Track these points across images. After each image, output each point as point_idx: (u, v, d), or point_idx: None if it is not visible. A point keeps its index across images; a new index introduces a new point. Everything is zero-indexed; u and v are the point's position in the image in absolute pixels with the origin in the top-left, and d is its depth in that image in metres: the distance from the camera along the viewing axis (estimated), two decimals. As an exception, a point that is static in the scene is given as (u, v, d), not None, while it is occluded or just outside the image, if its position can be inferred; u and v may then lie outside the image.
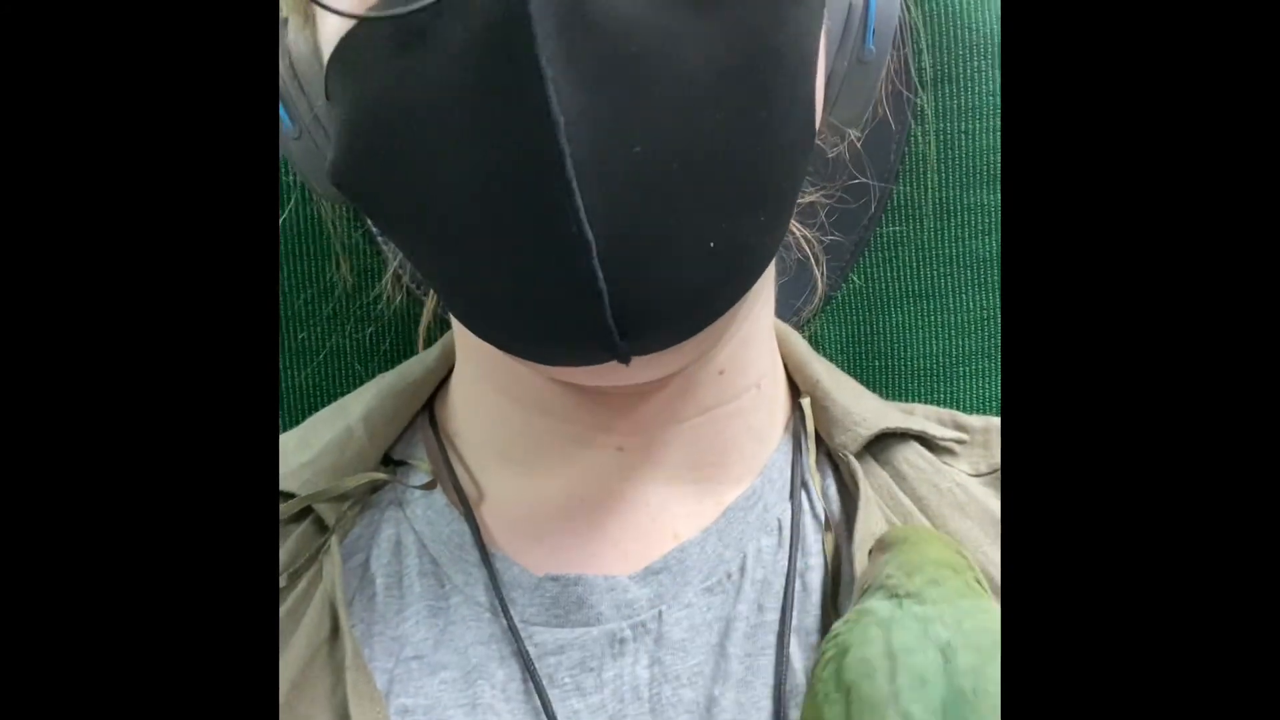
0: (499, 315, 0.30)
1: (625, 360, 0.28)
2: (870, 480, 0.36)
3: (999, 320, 0.48)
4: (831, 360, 0.47)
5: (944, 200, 0.47)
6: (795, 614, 0.32)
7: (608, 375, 0.30)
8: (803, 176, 0.32)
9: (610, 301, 0.27)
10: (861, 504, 0.34)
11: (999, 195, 0.47)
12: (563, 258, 0.26)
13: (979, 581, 0.28)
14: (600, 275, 0.26)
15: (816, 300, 0.42)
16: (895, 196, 0.47)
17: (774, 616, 0.32)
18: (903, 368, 0.48)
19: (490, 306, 0.30)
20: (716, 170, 0.27)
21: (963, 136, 0.46)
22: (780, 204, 0.30)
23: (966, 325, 0.48)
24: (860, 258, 0.47)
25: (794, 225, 0.41)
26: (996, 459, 0.38)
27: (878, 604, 0.26)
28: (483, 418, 0.36)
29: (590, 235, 0.26)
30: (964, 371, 0.48)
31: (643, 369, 0.30)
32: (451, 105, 0.26)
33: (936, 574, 0.27)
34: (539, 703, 0.30)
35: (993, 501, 0.36)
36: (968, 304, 0.48)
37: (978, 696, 0.22)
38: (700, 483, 0.35)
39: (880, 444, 0.37)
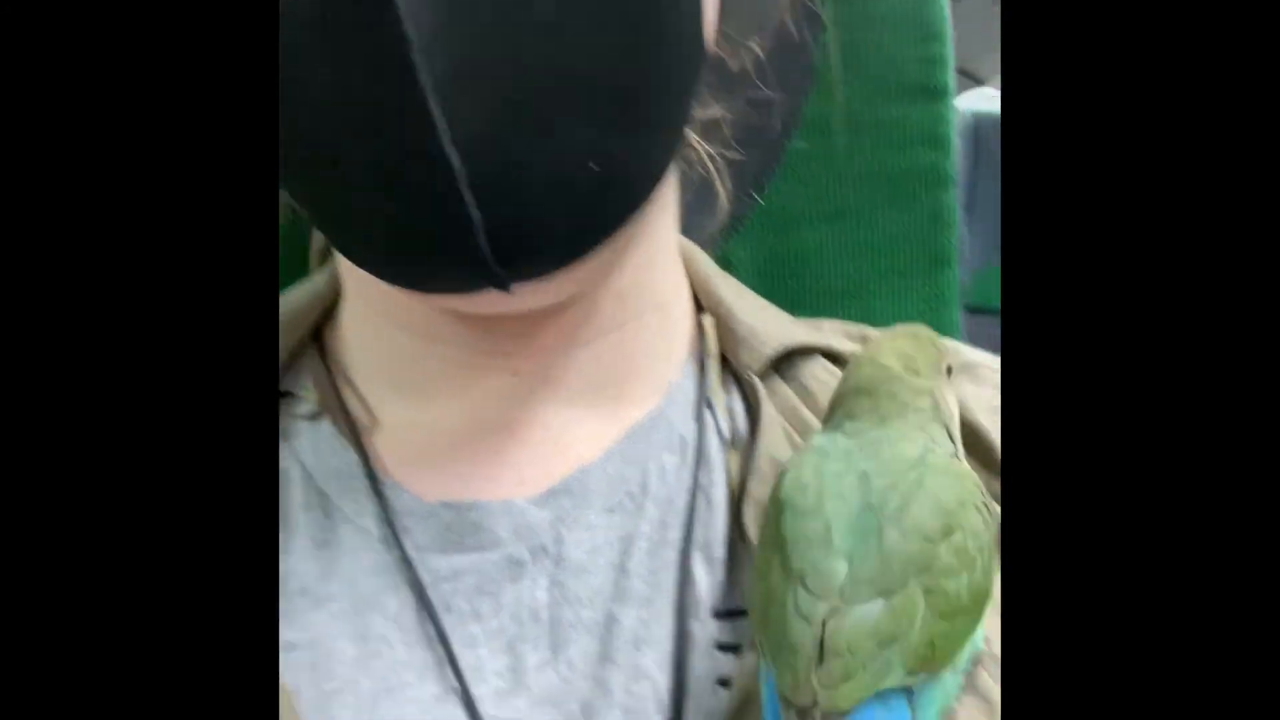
0: (373, 244, 0.29)
1: (506, 288, 0.28)
2: (774, 398, 0.36)
3: (912, 237, 0.47)
4: (745, 281, 0.47)
5: (854, 115, 0.46)
6: (699, 529, 0.32)
7: (491, 304, 0.29)
8: (693, 91, 0.31)
9: (484, 228, 0.26)
10: (763, 424, 0.34)
11: (910, 108, 0.46)
12: (429, 184, 0.25)
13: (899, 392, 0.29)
14: (470, 201, 0.25)
15: (721, 217, 0.41)
16: (804, 112, 0.46)
17: (677, 534, 0.32)
18: (816, 287, 0.48)
19: (363, 234, 0.28)
20: (593, 86, 0.26)
21: (872, 48, 0.46)
22: (668, 121, 0.29)
23: (880, 243, 0.47)
24: (771, 176, 0.46)
25: (696, 141, 0.39)
26: (903, 372, 0.38)
27: (818, 439, 0.29)
28: (373, 345, 0.35)
29: (455, 160, 0.25)
30: (878, 290, 0.48)
31: (527, 297, 0.29)
32: (303, 24, 0.24)
33: (856, 405, 0.29)
34: (434, 630, 0.29)
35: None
36: (880, 221, 0.47)
37: (883, 507, 0.25)
38: (602, 405, 0.34)
39: (787, 360, 0.37)
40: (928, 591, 0.24)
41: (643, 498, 0.33)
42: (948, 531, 0.25)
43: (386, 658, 0.29)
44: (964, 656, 0.26)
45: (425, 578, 0.30)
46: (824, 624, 0.24)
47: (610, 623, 0.30)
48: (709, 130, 0.40)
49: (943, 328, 0.47)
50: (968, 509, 0.26)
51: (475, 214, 0.25)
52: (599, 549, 0.31)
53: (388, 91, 0.24)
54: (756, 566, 0.27)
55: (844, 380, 0.30)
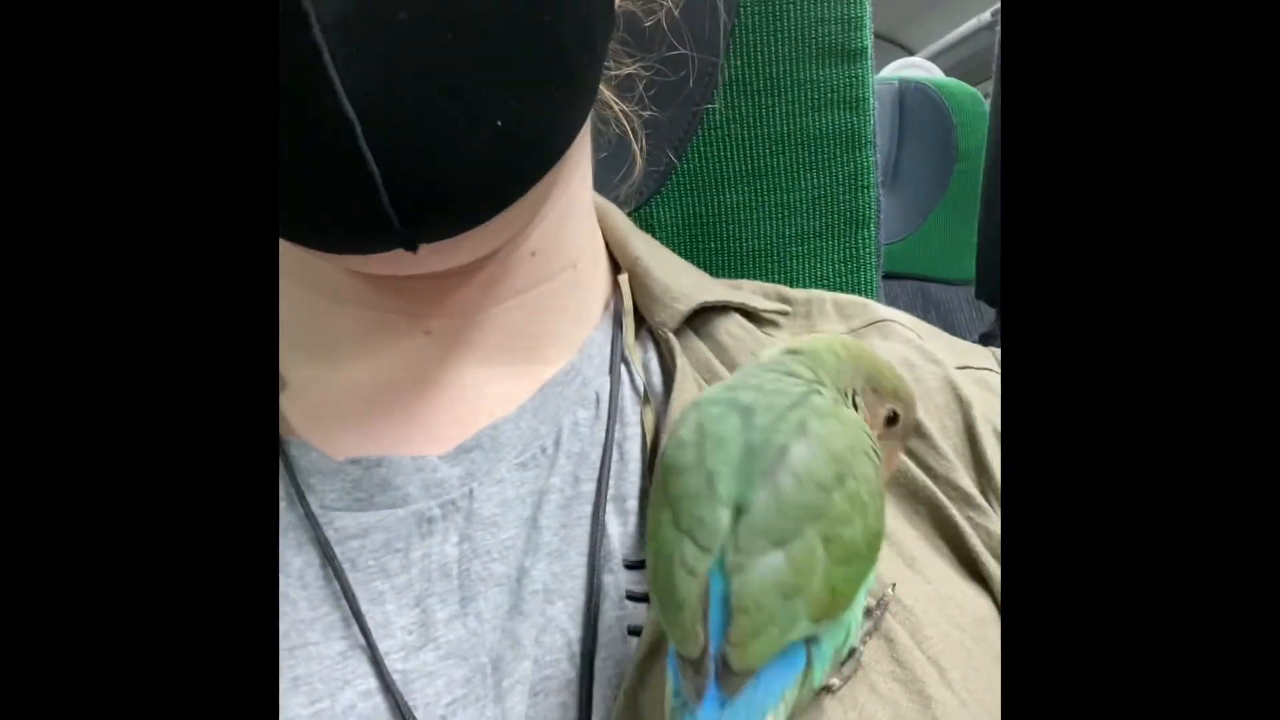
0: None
1: (412, 248, 0.27)
2: (689, 354, 0.36)
3: (830, 198, 0.48)
4: (667, 243, 0.47)
5: (774, 75, 0.46)
6: (613, 482, 0.32)
7: (398, 264, 0.29)
8: (604, 48, 0.31)
9: (385, 185, 0.25)
10: (678, 378, 0.34)
11: (828, 70, 0.47)
12: (326, 139, 0.24)
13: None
14: (369, 157, 0.25)
15: (637, 176, 0.41)
16: (725, 72, 0.46)
17: (590, 488, 0.32)
18: (738, 249, 0.48)
19: None
20: (498, 39, 0.25)
21: (790, 6, 0.46)
22: (577, 78, 0.29)
23: (799, 204, 0.48)
24: (689, 137, 0.46)
25: (612, 99, 0.39)
26: (818, 329, 0.39)
27: (705, 392, 0.28)
28: (283, 307, 0.34)
29: (351, 113, 0.24)
30: (798, 251, 0.48)
31: (434, 258, 0.29)
32: None
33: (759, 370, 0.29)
34: (339, 587, 0.29)
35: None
36: (800, 183, 0.48)
37: (767, 446, 0.24)
38: (516, 363, 0.34)
39: (702, 317, 0.37)
40: (825, 539, 0.24)
41: (555, 452, 0.33)
42: (841, 479, 0.24)
43: (289, 617, 0.29)
44: (860, 599, 0.26)
45: (331, 535, 0.30)
46: (727, 580, 0.23)
47: (521, 575, 0.30)
48: (623, 89, 0.40)
49: (860, 287, 0.48)
50: (858, 455, 0.25)
51: (375, 169, 0.25)
52: (510, 503, 0.31)
53: (281, 41, 0.23)
54: (649, 527, 0.26)
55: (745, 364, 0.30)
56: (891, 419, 0.29)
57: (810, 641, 0.24)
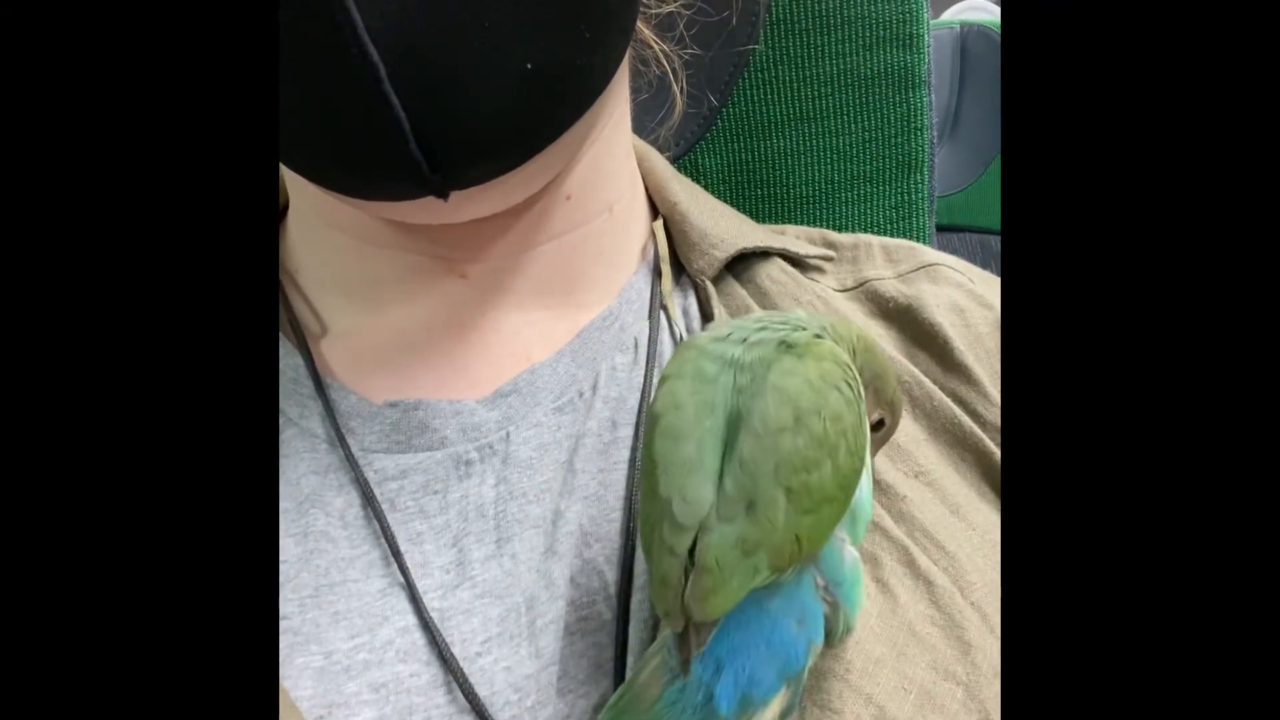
0: (304, 147, 0.28)
1: (443, 195, 0.27)
2: (728, 300, 0.35)
3: (882, 141, 0.46)
4: (712, 189, 0.46)
5: (822, 12, 0.44)
6: None
7: (430, 212, 0.28)
8: None
9: (412, 130, 0.25)
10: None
11: (880, 5, 0.45)
12: (351, 84, 0.24)
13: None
14: (395, 101, 0.24)
15: (675, 118, 0.40)
16: (773, 11, 0.44)
17: (628, 432, 0.32)
18: (785, 195, 0.47)
19: (294, 137, 0.27)
20: None
21: (839, -59, 0.44)
22: (612, 16, 0.28)
23: (849, 148, 0.46)
24: (734, 79, 0.45)
25: (651, 38, 0.38)
26: (864, 274, 0.38)
27: (696, 339, 0.27)
28: (320, 252, 0.34)
29: (375, 56, 0.24)
30: (847, 197, 0.47)
31: (466, 206, 0.28)
32: None
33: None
34: (379, 527, 0.29)
35: (854, 314, 0.36)
36: (850, 126, 0.46)
37: (744, 408, 0.24)
38: (553, 308, 0.34)
39: (743, 263, 0.36)
40: (789, 491, 0.23)
41: (593, 397, 0.32)
42: (799, 420, 0.24)
43: (330, 554, 0.29)
44: (855, 530, 0.26)
45: (371, 476, 0.30)
46: (694, 543, 0.23)
47: (556, 518, 0.30)
48: (663, 27, 0.39)
49: (912, 235, 0.47)
50: (824, 392, 0.24)
51: (401, 114, 0.25)
52: (546, 447, 0.31)
53: None
54: (641, 486, 0.26)
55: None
56: (877, 426, 0.28)
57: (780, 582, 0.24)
